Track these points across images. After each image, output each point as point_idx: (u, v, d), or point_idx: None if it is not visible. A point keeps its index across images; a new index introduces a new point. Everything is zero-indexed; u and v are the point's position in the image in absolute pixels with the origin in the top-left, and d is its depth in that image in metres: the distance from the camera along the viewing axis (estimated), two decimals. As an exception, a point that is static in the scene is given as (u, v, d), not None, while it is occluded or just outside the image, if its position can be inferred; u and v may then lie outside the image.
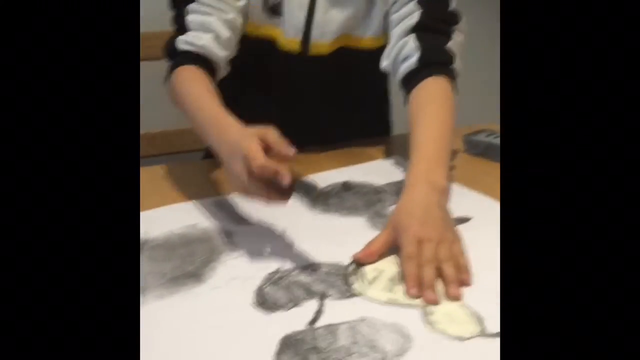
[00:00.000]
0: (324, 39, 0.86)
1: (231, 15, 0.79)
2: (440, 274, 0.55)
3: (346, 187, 0.77)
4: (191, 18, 0.78)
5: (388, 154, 0.91)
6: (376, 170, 0.83)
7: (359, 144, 0.94)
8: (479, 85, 1.40)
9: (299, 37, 0.85)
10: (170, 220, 0.68)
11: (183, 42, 0.78)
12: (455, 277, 0.54)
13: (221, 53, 0.79)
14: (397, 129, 1.06)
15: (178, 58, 0.78)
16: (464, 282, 0.55)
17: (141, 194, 0.75)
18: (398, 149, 0.96)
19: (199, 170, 0.87)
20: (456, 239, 0.59)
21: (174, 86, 0.77)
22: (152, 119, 1.27)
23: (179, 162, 0.91)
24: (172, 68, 0.79)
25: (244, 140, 0.57)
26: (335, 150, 0.91)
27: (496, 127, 0.94)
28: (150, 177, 0.83)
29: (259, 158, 0.54)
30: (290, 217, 0.67)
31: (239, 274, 0.57)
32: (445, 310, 0.52)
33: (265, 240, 0.63)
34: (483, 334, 0.49)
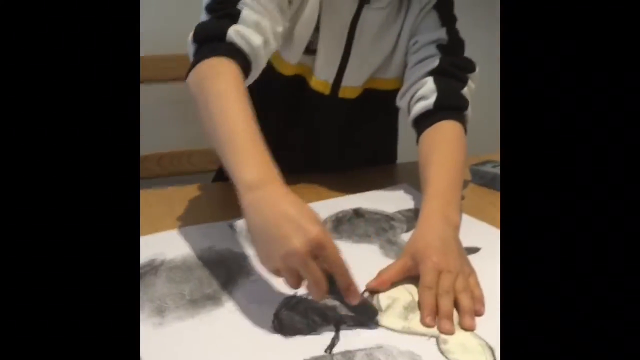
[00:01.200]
0: (354, 85, 0.88)
1: (280, 29, 0.74)
2: (456, 304, 0.56)
3: (357, 213, 0.79)
4: (246, 13, 0.69)
5: (395, 182, 0.93)
6: (385, 198, 0.85)
7: (367, 171, 0.96)
8: (484, 115, 1.44)
9: (330, 81, 0.86)
10: (186, 242, 0.70)
11: (236, 33, 0.68)
12: (471, 308, 0.56)
13: (263, 63, 0.72)
14: (401, 157, 1.08)
15: (223, 45, 0.68)
16: (478, 312, 0.56)
17: (155, 216, 0.78)
18: (404, 176, 0.98)
19: (212, 192, 0.88)
20: (472, 272, 0.61)
21: (211, 78, 0.65)
22: (160, 139, 1.29)
23: (191, 184, 0.92)
24: (213, 53, 0.67)
25: (311, 222, 0.51)
26: (344, 176, 0.93)
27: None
28: (164, 199, 0.85)
29: (337, 255, 0.51)
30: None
31: (256, 297, 0.58)
32: (458, 339, 0.53)
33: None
34: (494, 364, 0.50)
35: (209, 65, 0.67)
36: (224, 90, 0.63)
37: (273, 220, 0.52)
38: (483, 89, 1.28)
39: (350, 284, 0.52)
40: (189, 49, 0.72)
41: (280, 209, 0.52)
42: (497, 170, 0.90)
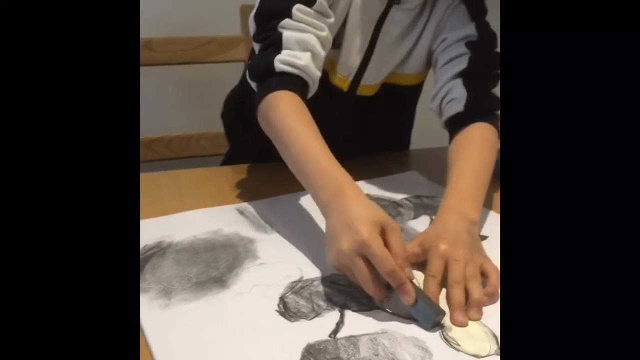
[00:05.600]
0: (372, 83, 0.87)
1: (325, 33, 0.75)
2: (467, 293, 0.56)
3: (365, 200, 0.79)
4: (287, 35, 0.72)
5: (405, 168, 0.92)
6: (394, 184, 0.85)
7: (378, 158, 0.96)
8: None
9: (350, 78, 0.86)
10: (193, 225, 0.70)
11: (281, 62, 0.71)
12: (479, 300, 0.55)
13: (317, 73, 0.74)
14: (413, 144, 1.08)
15: (274, 79, 0.71)
16: (491, 298, 0.56)
17: (163, 198, 0.78)
18: (414, 163, 0.97)
19: (220, 175, 0.88)
20: (486, 260, 0.60)
21: (271, 114, 0.69)
22: (170, 122, 1.30)
23: (200, 167, 0.92)
24: (267, 91, 0.71)
25: (362, 223, 0.54)
26: (353, 162, 0.93)
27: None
28: (173, 181, 0.85)
29: (389, 261, 0.52)
30: (312, 227, 0.69)
31: (261, 281, 0.59)
32: (463, 327, 0.53)
33: (287, 249, 0.65)
34: (498, 352, 0.50)
35: (267, 103, 0.71)
36: (283, 121, 0.68)
37: (334, 224, 0.57)
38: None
39: (400, 283, 0.53)
40: (253, 86, 0.76)
41: (341, 213, 0.57)
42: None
